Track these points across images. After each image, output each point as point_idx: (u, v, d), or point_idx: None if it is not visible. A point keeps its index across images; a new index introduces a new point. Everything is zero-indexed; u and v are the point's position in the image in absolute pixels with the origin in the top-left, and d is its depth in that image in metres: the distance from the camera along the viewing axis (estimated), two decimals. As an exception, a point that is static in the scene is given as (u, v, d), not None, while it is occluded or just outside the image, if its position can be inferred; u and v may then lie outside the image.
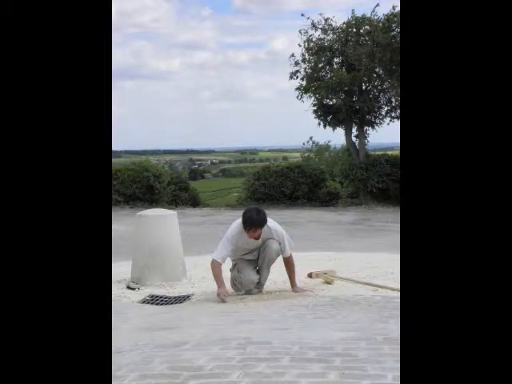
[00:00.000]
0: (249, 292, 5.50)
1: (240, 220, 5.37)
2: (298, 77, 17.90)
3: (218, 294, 5.23)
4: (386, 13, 16.98)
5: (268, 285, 5.76)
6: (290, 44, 28.89)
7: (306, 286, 5.85)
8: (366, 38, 17.14)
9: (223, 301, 5.11)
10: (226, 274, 5.55)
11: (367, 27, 17.20)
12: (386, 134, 24.09)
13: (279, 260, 5.60)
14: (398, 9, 16.29)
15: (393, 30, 16.46)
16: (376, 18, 17.13)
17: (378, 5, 17.24)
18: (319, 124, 18.29)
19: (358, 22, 17.39)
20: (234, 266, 5.63)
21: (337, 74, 17.21)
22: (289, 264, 5.56)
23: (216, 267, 5.34)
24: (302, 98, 18.00)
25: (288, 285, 5.67)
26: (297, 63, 17.83)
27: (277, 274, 5.87)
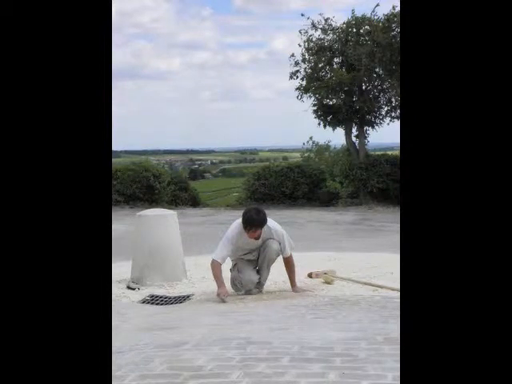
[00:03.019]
0: (249, 292, 5.50)
1: (240, 220, 5.37)
2: (297, 77, 17.89)
3: (218, 294, 5.23)
4: (386, 13, 16.99)
5: (268, 285, 5.77)
6: (290, 44, 28.81)
7: (306, 286, 5.86)
8: (366, 38, 17.14)
9: (223, 301, 5.11)
10: (226, 274, 5.55)
11: (367, 27, 17.20)
12: (385, 134, 24.06)
13: (279, 260, 5.61)
14: (398, 9, 16.28)
15: (393, 30, 16.45)
16: (376, 18, 17.13)
17: (378, 5, 17.24)
18: (319, 124, 18.29)
19: (357, 21, 17.38)
20: (234, 265, 5.63)
21: (337, 74, 17.19)
22: (289, 264, 5.56)
23: (216, 267, 5.34)
24: (301, 97, 18.01)
25: (288, 285, 5.67)
26: (297, 63, 17.82)
27: (277, 274, 5.87)
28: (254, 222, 5.22)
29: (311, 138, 33.07)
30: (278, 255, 5.53)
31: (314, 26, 17.61)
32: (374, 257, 7.81)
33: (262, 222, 5.27)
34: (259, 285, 5.57)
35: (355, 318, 4.05)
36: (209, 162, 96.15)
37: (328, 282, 5.98)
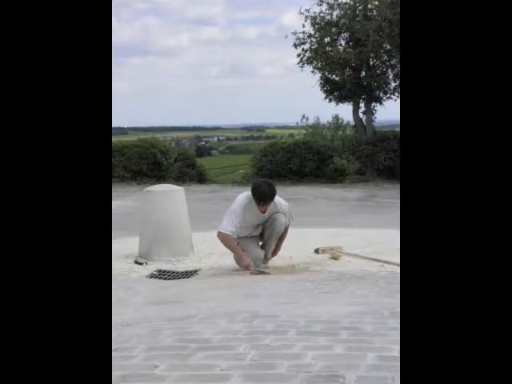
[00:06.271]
0: (260, 271, 5.41)
1: (246, 193, 5.39)
2: (303, 49, 17.70)
3: (247, 266, 5.25)
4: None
5: (275, 260, 5.79)
6: (299, 19, 28.31)
7: (313, 260, 5.89)
8: (374, 13, 16.96)
9: (259, 272, 5.17)
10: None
11: (375, 2, 17.00)
12: (393, 111, 23.84)
13: (287, 236, 5.67)
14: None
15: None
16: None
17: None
18: (327, 99, 18.28)
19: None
20: (237, 244, 5.58)
21: (343, 50, 17.07)
22: (284, 234, 5.66)
23: (228, 238, 5.30)
24: (303, 66, 17.86)
25: (295, 260, 5.71)
26: (303, 40, 17.64)
27: (284, 249, 5.90)
28: (267, 197, 5.24)
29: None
30: (286, 228, 5.57)
31: (321, 1, 17.44)
32: (380, 233, 7.82)
33: (274, 195, 5.31)
34: (265, 259, 5.59)
35: (362, 292, 4.07)
36: (215, 139, 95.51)
37: (335, 258, 6.00)
